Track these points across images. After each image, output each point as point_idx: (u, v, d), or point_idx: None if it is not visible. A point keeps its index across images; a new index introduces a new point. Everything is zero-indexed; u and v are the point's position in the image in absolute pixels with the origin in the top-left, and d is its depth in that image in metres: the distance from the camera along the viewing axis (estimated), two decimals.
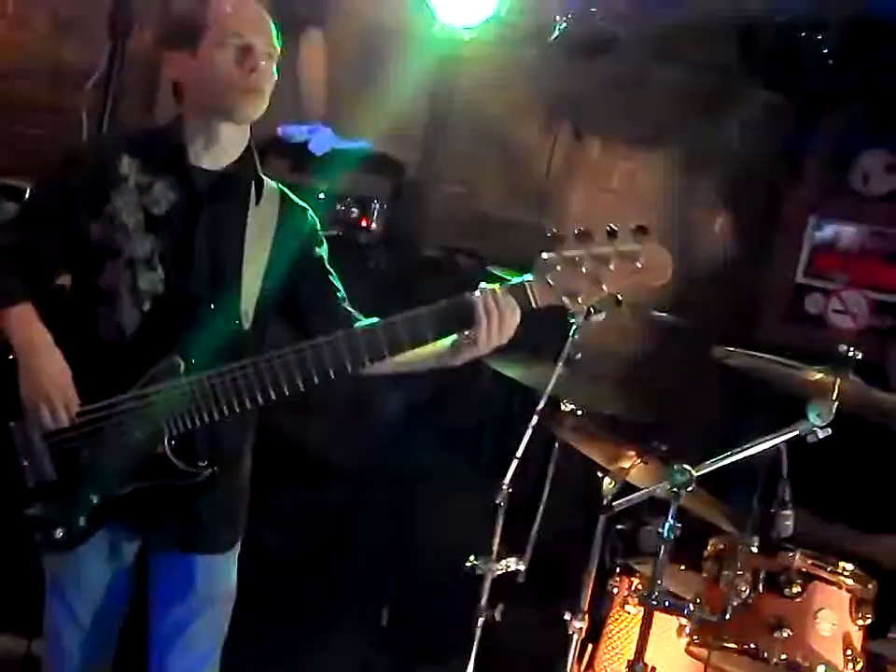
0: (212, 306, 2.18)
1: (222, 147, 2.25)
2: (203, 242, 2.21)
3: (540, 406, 2.97)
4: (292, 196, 2.37)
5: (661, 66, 4.33)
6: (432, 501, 3.72)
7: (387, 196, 4.23)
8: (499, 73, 4.51)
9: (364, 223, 4.11)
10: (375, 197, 4.17)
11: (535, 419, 2.95)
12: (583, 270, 2.02)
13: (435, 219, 4.48)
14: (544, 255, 2.05)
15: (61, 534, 2.15)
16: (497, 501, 2.94)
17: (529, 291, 2.07)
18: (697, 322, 3.53)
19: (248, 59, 2.17)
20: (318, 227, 2.39)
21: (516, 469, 2.96)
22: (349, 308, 2.33)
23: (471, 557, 2.90)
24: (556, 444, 3.17)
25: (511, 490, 2.94)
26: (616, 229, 2.02)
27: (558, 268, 2.03)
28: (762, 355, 2.96)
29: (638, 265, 2.02)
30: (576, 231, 2.04)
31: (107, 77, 3.84)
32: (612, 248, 2.02)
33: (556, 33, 4.42)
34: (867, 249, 4.15)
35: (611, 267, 2.02)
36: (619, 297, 2.08)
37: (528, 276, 2.08)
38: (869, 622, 2.93)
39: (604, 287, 2.04)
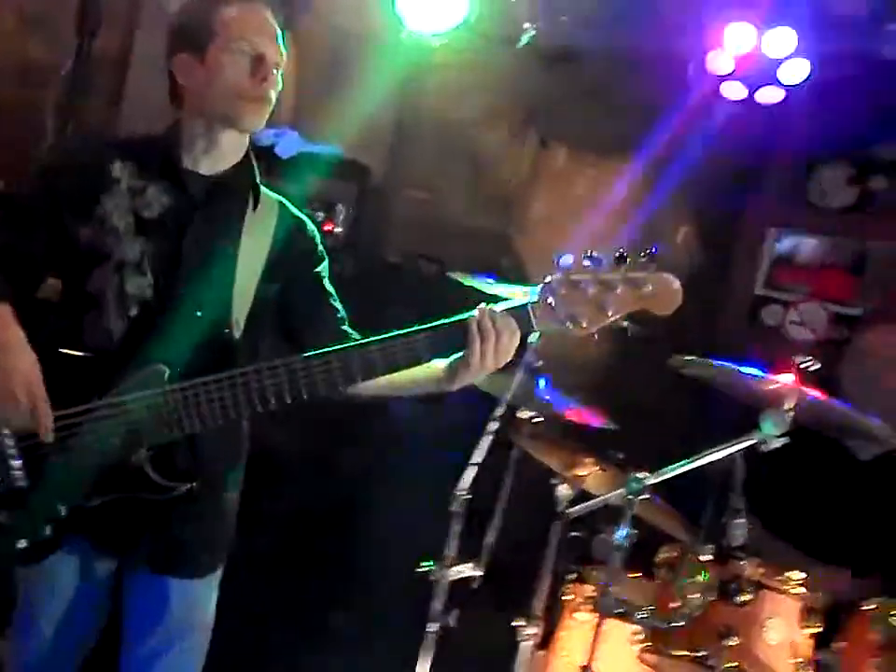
0: (200, 314, 2.12)
1: (221, 153, 2.19)
2: (194, 247, 2.15)
3: (499, 413, 2.99)
4: (292, 208, 2.31)
5: (628, 75, 4.37)
6: (395, 505, 3.74)
7: (353, 201, 4.24)
8: (467, 80, 4.53)
9: (329, 227, 4.13)
10: (341, 201, 4.18)
11: (492, 426, 2.97)
12: (588, 294, 1.96)
13: (400, 225, 4.50)
14: (548, 277, 1.99)
15: (24, 544, 2.06)
16: (454, 508, 2.95)
17: (531, 314, 2.00)
18: (658, 331, 3.55)
19: (260, 68, 2.12)
20: (319, 243, 2.32)
21: (474, 475, 2.98)
22: (348, 329, 2.26)
23: (426, 563, 2.91)
24: (514, 451, 3.19)
25: (468, 496, 2.96)
26: (625, 254, 1.97)
27: (563, 291, 1.97)
28: (719, 364, 3.00)
29: (646, 292, 1.97)
30: (583, 255, 1.98)
31: (74, 76, 3.83)
32: (620, 274, 1.97)
33: (525, 40, 4.46)
34: (826, 262, 4.20)
35: (618, 293, 1.96)
36: (625, 324, 2.04)
37: (531, 298, 2.01)
38: (818, 630, 2.98)
39: (609, 313, 1.97)
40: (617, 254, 1.97)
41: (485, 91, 4.53)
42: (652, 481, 2.94)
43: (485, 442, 2.96)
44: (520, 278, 4.20)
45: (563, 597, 3.18)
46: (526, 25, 4.50)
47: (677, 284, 2.00)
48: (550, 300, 1.99)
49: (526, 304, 2.01)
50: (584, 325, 1.99)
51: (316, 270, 2.29)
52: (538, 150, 4.55)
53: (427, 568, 2.88)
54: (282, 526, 3.76)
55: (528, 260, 4.39)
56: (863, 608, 2.96)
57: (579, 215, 4.44)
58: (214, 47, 2.13)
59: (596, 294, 1.97)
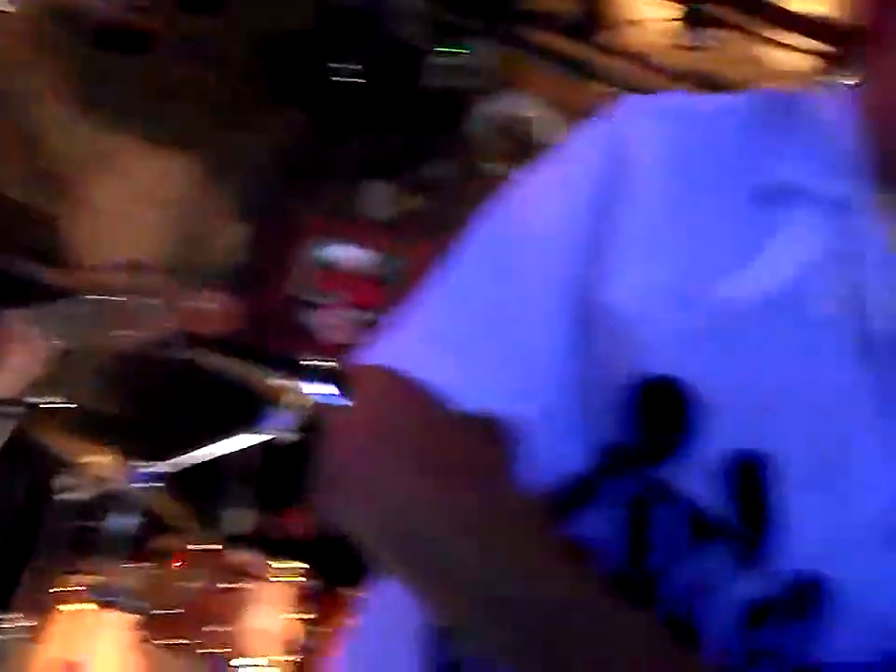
0: None
1: None
2: None
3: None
4: None
5: (193, 70, 4.40)
6: None
7: None
8: (28, 52, 4.35)
9: None
10: None
11: None
12: (144, 304, 1.91)
13: None
14: (89, 281, 1.91)
15: None
16: None
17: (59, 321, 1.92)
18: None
19: None
20: None
21: None
22: None
23: None
24: (18, 434, 3.09)
25: None
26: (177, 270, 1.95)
27: (111, 299, 1.91)
28: (234, 359, 3.10)
29: (199, 307, 1.96)
30: (143, 263, 1.96)
31: None
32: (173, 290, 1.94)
33: (94, 18, 4.35)
34: (364, 272, 4.45)
35: (176, 305, 1.93)
36: (187, 332, 1.99)
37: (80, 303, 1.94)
38: (311, 616, 3.14)
39: (172, 323, 1.91)
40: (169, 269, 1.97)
41: (46, 67, 4.36)
42: (160, 470, 2.99)
43: None
44: (66, 262, 4.10)
45: (58, 588, 3.12)
46: (97, 4, 4.42)
47: (231, 303, 2.01)
48: (102, 307, 1.90)
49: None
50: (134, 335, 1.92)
51: None
52: (96, 134, 4.45)
53: None
54: None
55: (78, 246, 4.28)
56: (339, 593, 3.16)
57: (136, 205, 4.39)
58: None
59: (147, 306, 1.92)
